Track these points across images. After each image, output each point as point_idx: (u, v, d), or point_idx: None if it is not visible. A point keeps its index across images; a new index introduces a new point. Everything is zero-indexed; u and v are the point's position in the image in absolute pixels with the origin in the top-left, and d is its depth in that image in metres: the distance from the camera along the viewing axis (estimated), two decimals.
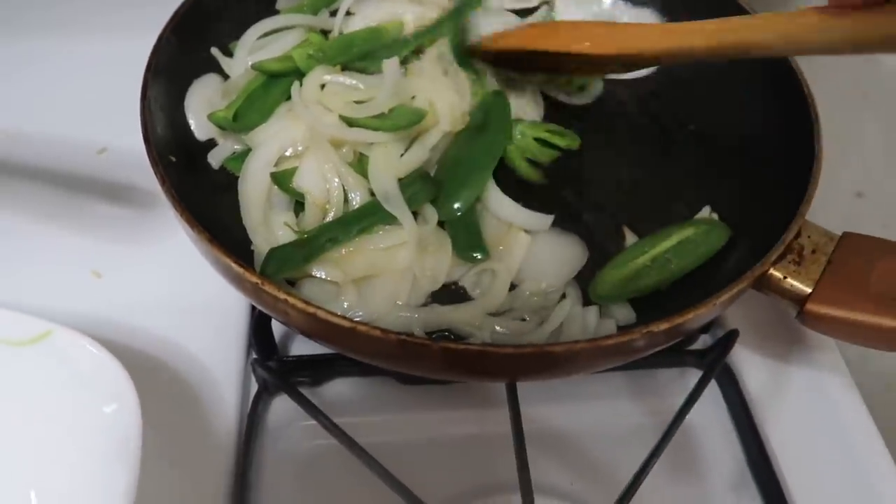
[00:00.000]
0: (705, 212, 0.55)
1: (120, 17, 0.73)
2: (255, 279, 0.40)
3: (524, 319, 0.49)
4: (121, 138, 0.65)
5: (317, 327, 0.40)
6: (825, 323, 0.45)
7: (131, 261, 0.60)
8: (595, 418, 0.57)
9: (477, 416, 0.56)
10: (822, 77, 0.64)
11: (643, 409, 0.58)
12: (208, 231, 0.43)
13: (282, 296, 0.39)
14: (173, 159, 0.51)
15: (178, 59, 0.55)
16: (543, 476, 0.52)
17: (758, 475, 0.54)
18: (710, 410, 0.59)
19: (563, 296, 0.51)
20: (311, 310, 0.39)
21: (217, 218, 0.51)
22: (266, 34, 0.61)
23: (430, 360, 0.40)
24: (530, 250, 0.54)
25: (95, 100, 0.67)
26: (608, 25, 0.57)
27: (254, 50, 0.60)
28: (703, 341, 0.61)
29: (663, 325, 0.41)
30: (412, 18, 0.62)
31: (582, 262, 0.54)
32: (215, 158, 0.55)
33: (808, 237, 0.47)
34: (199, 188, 0.52)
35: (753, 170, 0.56)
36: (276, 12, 0.63)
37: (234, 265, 0.40)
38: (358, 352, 0.44)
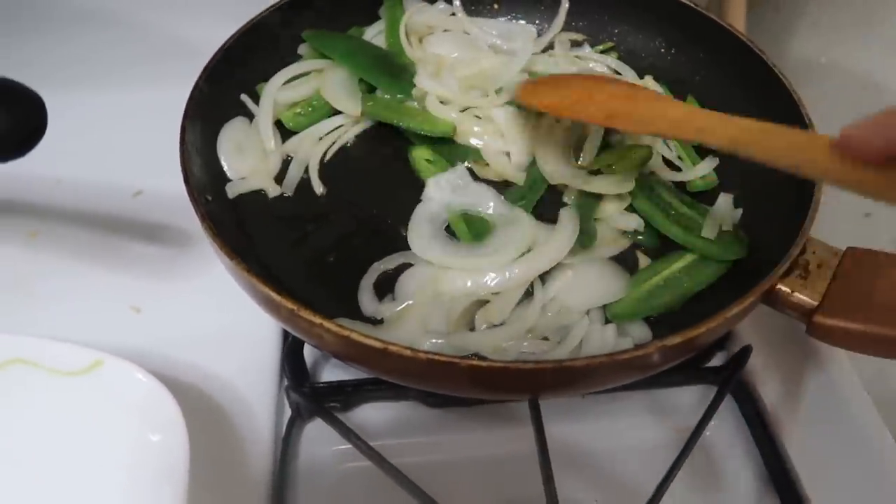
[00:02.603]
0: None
1: (150, 71, 0.78)
2: (291, 305, 0.42)
3: (546, 339, 0.51)
4: (154, 181, 0.69)
5: (350, 350, 0.43)
6: (833, 334, 0.47)
7: (167, 296, 0.63)
8: (617, 437, 0.59)
9: (502, 436, 0.58)
10: (825, 99, 0.66)
11: (664, 427, 0.60)
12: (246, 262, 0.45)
13: (317, 320, 0.42)
14: (209, 198, 0.54)
15: (210, 106, 0.58)
16: (568, 493, 0.53)
17: (778, 486, 0.56)
18: (730, 426, 0.60)
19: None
20: (345, 332, 0.41)
21: (249, 251, 0.54)
22: (290, 80, 0.64)
23: (457, 377, 0.42)
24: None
25: (130, 146, 0.71)
26: (658, 105, 0.52)
27: (279, 94, 0.63)
28: (721, 359, 0.63)
29: (676, 340, 0.43)
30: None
31: (615, 296, 0.53)
32: (232, 191, 0.58)
33: (814, 253, 0.49)
34: (231, 224, 0.55)
35: (763, 192, 0.58)
36: (300, 57, 0.67)
37: (272, 293, 0.43)
38: (389, 372, 0.46)
